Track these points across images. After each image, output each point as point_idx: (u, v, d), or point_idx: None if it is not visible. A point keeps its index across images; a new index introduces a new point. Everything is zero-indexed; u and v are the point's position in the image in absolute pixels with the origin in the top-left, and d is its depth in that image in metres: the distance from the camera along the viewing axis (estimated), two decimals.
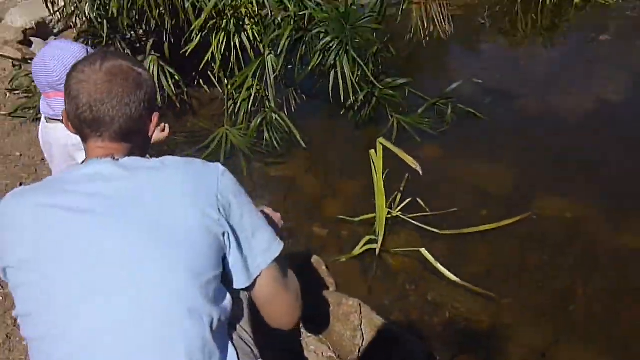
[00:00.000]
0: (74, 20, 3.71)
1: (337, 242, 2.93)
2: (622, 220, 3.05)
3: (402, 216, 2.99)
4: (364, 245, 2.79)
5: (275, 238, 1.35)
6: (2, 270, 1.21)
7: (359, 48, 3.50)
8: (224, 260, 1.28)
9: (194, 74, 4.04)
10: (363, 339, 2.16)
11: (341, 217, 3.03)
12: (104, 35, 3.58)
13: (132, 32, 3.87)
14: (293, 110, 3.80)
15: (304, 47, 3.48)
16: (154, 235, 1.17)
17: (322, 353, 2.08)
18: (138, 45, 3.98)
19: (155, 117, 1.34)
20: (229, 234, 1.23)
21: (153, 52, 3.73)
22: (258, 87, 3.55)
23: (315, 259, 2.63)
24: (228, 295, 1.30)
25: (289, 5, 3.28)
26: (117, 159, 1.25)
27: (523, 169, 3.48)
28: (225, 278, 1.32)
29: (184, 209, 1.20)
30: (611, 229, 3.01)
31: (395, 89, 3.76)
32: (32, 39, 4.63)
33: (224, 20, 3.48)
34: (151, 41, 3.74)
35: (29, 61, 4.25)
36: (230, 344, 1.28)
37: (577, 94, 4.27)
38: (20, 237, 1.19)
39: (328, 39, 3.33)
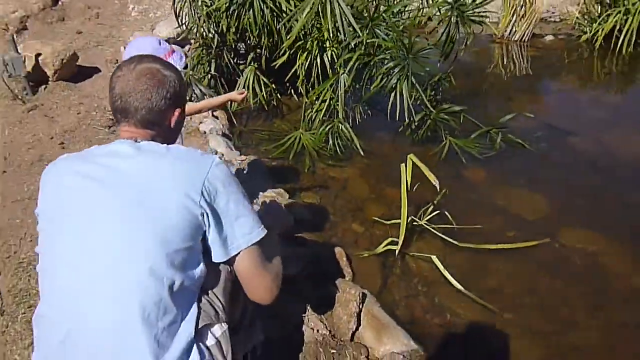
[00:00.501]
0: (195, 33, 3.87)
1: (368, 239, 2.82)
2: None
3: (427, 225, 2.83)
4: (386, 245, 2.66)
5: (258, 226, 1.35)
6: (37, 215, 1.29)
7: (419, 75, 3.38)
8: (205, 236, 1.30)
9: (287, 84, 4.09)
10: (357, 324, 2.07)
11: (376, 218, 2.93)
12: (214, 46, 3.71)
13: (237, 46, 3.96)
14: (358, 123, 3.74)
15: (371, 70, 3.40)
16: (138, 207, 1.21)
17: (318, 330, 2.01)
18: (241, 57, 4.07)
19: (177, 111, 1.39)
20: (208, 215, 1.25)
21: (252, 63, 3.82)
22: (331, 100, 3.52)
23: (338, 250, 2.55)
24: (201, 266, 1.30)
25: (361, 33, 3.21)
26: (139, 142, 1.31)
27: (557, 200, 3.16)
28: (208, 252, 1.34)
29: (169, 190, 1.23)
30: (629, 269, 2.65)
31: (452, 114, 3.58)
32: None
33: (309, 42, 3.49)
34: (251, 54, 3.83)
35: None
36: (195, 305, 1.28)
37: (631, 139, 3.82)
38: (47, 192, 1.29)
39: (391, 64, 3.22)
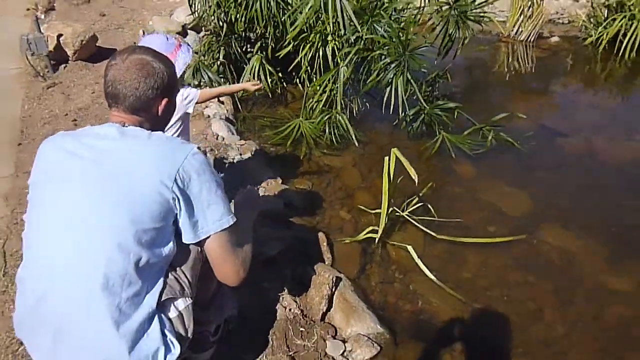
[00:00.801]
0: (205, 22, 3.90)
1: (354, 227, 2.85)
2: (614, 264, 2.67)
3: (408, 216, 2.85)
4: (367, 233, 2.69)
5: (228, 214, 1.40)
6: (29, 185, 1.36)
7: (417, 71, 3.37)
8: (177, 219, 1.35)
9: (292, 73, 4.10)
10: (328, 306, 2.12)
11: (361, 207, 2.96)
12: (222, 35, 3.73)
13: (245, 35, 3.98)
14: (355, 114, 3.75)
15: (369, 64, 3.40)
16: (113, 186, 1.27)
17: (291, 309, 2.06)
18: (248, 45, 4.09)
19: (164, 101, 1.43)
20: (179, 200, 1.30)
21: (259, 52, 3.84)
22: (331, 92, 3.53)
23: (320, 235, 2.59)
24: (170, 245, 1.36)
25: (360, 29, 3.20)
26: (126, 126, 1.36)
27: (540, 198, 3.15)
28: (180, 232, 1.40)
29: (145, 173, 1.28)
30: (600, 268, 2.64)
31: (446, 110, 3.57)
32: (189, 30, 4.94)
33: (312, 34, 3.49)
34: (258, 43, 3.85)
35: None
36: (162, 280, 1.34)
37: (621, 144, 3.77)
38: (37, 165, 1.37)
39: (387, 60, 3.21)
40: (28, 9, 5.11)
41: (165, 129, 1.65)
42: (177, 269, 1.41)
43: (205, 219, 1.36)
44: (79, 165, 1.28)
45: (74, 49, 4.00)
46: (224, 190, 1.42)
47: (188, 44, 2.20)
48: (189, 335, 1.35)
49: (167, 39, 2.11)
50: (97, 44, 4.24)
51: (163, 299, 1.30)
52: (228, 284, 1.50)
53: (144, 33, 4.61)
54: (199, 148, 1.40)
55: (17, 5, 5.17)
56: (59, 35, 3.98)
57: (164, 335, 1.25)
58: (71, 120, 3.31)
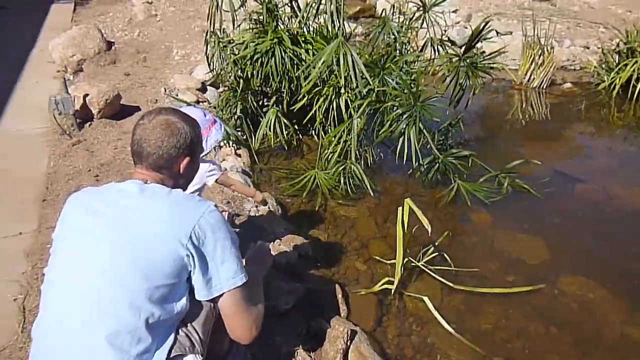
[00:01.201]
0: (222, 78, 4.04)
1: (369, 278, 2.82)
2: (636, 313, 2.59)
3: (424, 266, 2.81)
4: (383, 284, 2.66)
5: (241, 272, 1.42)
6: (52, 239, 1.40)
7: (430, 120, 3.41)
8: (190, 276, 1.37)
9: (308, 125, 4.18)
10: None
11: (377, 257, 2.93)
12: (239, 90, 3.85)
13: (261, 90, 4.10)
14: (369, 164, 3.78)
15: (382, 115, 3.45)
16: (127, 242, 1.30)
17: None
18: (264, 99, 4.20)
19: (186, 159, 1.47)
20: (194, 257, 1.32)
21: (274, 106, 3.94)
22: (345, 143, 3.58)
23: (336, 287, 2.56)
24: (183, 301, 1.37)
25: (371, 82, 3.28)
26: (147, 183, 1.41)
27: (558, 246, 3.09)
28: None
29: (160, 230, 1.31)
30: (621, 318, 2.56)
31: (460, 159, 3.58)
32: (208, 87, 5.11)
33: (325, 88, 3.58)
34: (274, 98, 3.96)
35: (200, 102, 4.70)
36: (172, 336, 1.34)
37: (637, 189, 3.71)
38: (61, 219, 1.41)
39: (399, 111, 3.27)
40: (58, 71, 5.37)
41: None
42: (189, 324, 1.41)
43: (219, 277, 1.38)
44: (99, 222, 1.32)
45: (99, 107, 4.16)
46: (238, 247, 1.44)
47: (221, 123, 2.26)
48: None
49: (205, 114, 2.16)
50: (120, 102, 4.40)
51: (173, 354, 1.30)
52: (239, 340, 1.50)
53: (165, 90, 4.78)
54: (215, 206, 1.43)
55: (48, 68, 5.44)
56: (85, 95, 4.14)
57: None
58: (94, 176, 3.39)
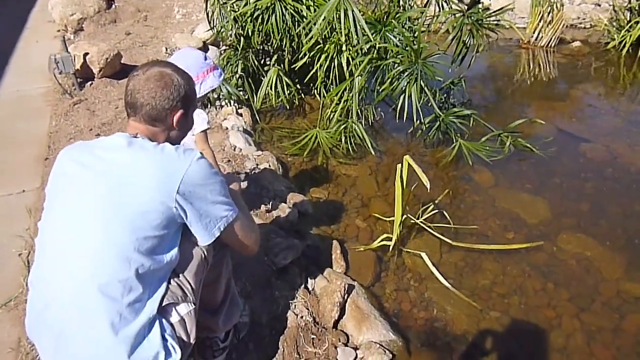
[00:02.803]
0: (223, 36, 3.97)
1: (369, 235, 2.83)
2: (634, 271, 2.59)
3: (423, 223, 2.82)
4: (381, 241, 2.67)
5: (232, 208, 1.44)
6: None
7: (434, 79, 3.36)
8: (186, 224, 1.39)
9: (310, 84, 4.13)
10: (339, 313, 2.10)
11: (377, 215, 2.94)
12: (240, 49, 3.79)
13: (262, 48, 4.03)
14: (371, 123, 3.74)
15: (383, 73, 3.39)
16: (115, 195, 1.30)
17: (302, 316, 2.05)
18: (266, 58, 4.14)
19: (179, 112, 1.45)
20: (183, 208, 1.33)
21: (276, 65, 3.89)
22: (347, 102, 3.54)
23: (334, 243, 2.58)
24: (173, 252, 1.38)
25: (372, 38, 3.21)
26: (137, 136, 1.40)
27: (560, 204, 3.08)
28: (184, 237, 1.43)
29: (147, 182, 1.31)
30: (618, 274, 2.57)
31: (462, 117, 3.53)
32: (210, 46, 5.04)
33: (327, 45, 3.52)
34: (275, 56, 3.90)
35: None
36: (164, 286, 1.36)
37: None
38: (52, 175, 1.42)
39: (400, 68, 3.21)
40: (58, 30, 5.30)
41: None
42: (180, 275, 1.43)
43: (215, 218, 1.40)
44: (87, 175, 1.32)
45: (99, 66, 4.12)
46: (226, 187, 1.46)
47: (222, 71, 2.20)
48: (192, 340, 1.36)
49: (205, 58, 2.10)
50: (121, 62, 4.35)
51: (165, 304, 1.32)
52: (251, 254, 1.61)
53: (166, 50, 4.71)
54: (201, 154, 1.42)
55: (48, 28, 5.37)
56: (85, 54, 4.10)
57: (164, 339, 1.26)
58: (95, 135, 3.39)
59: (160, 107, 1.41)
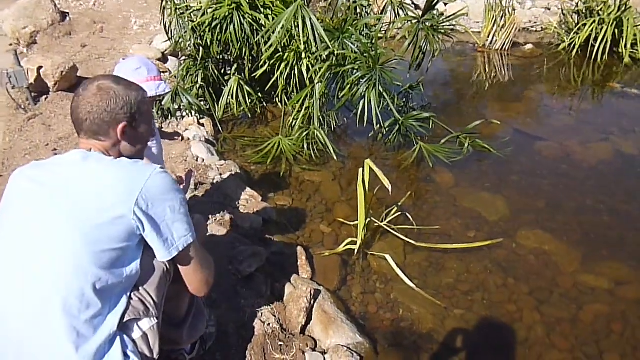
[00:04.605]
0: (182, 46, 3.95)
1: (334, 239, 2.85)
2: (590, 263, 2.70)
3: (386, 226, 2.86)
4: (346, 245, 2.70)
5: (190, 230, 1.42)
6: None
7: (393, 84, 3.42)
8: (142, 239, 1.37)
9: (272, 92, 4.14)
10: (306, 319, 2.11)
11: (341, 220, 2.97)
12: (199, 58, 3.78)
13: (222, 57, 4.03)
14: (333, 129, 3.78)
15: (342, 79, 3.44)
16: (70, 209, 1.27)
17: (269, 324, 2.05)
18: (226, 67, 4.14)
19: (121, 124, 1.42)
20: (141, 221, 1.30)
21: (236, 74, 3.88)
22: (308, 108, 3.56)
23: (299, 249, 2.60)
24: (133, 265, 1.36)
25: (331, 45, 3.26)
26: (91, 151, 1.38)
27: (518, 201, 3.19)
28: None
29: (104, 196, 1.29)
30: (575, 267, 2.67)
31: (421, 121, 3.61)
32: (169, 57, 4.99)
33: (286, 53, 3.54)
34: (235, 65, 3.90)
35: (161, 73, 4.59)
36: (124, 301, 1.33)
37: (594, 145, 3.83)
38: (4, 195, 1.37)
39: (359, 74, 3.26)
40: (10, 45, 5.15)
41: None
42: (141, 288, 1.40)
43: (173, 236, 1.37)
44: (41, 192, 1.30)
45: (54, 80, 4.02)
46: (186, 206, 1.44)
47: (162, 84, 2.15)
48: (155, 355, 1.35)
49: (138, 67, 2.05)
50: (77, 75, 4.26)
51: (126, 319, 1.30)
52: (199, 294, 1.53)
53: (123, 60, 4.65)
54: (162, 168, 1.41)
55: (0, 42, 5.22)
56: (39, 68, 4.00)
57: (126, 356, 1.25)
58: (52, 150, 3.32)
59: (99, 121, 1.37)
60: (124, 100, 1.40)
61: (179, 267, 1.46)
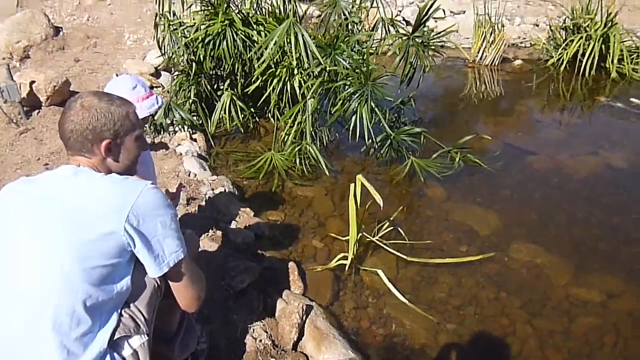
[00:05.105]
0: (175, 61, 3.97)
1: (326, 254, 2.85)
2: (581, 276, 2.71)
3: (378, 241, 2.87)
4: (339, 260, 2.70)
5: (181, 246, 1.41)
6: None
7: (384, 99, 3.45)
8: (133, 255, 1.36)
9: (265, 107, 4.15)
10: (298, 335, 2.10)
11: (333, 235, 2.97)
12: (192, 74, 3.80)
13: (214, 73, 4.05)
14: (325, 144, 3.80)
15: (334, 95, 3.46)
16: (60, 225, 1.27)
17: (261, 340, 2.04)
18: (219, 83, 4.15)
19: (105, 141, 1.41)
20: (132, 237, 1.30)
21: (229, 89, 3.90)
22: (300, 123, 3.58)
23: (291, 264, 2.59)
24: (124, 282, 1.35)
25: (323, 62, 3.29)
26: (80, 166, 1.38)
27: (510, 215, 3.20)
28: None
29: (94, 212, 1.29)
30: (567, 280, 2.68)
31: (413, 135, 3.63)
32: (162, 72, 5.01)
33: (279, 69, 3.57)
34: (228, 81, 3.92)
35: (154, 87, 4.61)
36: (115, 318, 1.33)
37: (584, 159, 3.86)
38: None
39: (351, 90, 3.29)
40: (3, 59, 5.15)
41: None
42: (132, 305, 1.40)
43: (164, 252, 1.37)
44: (32, 207, 1.29)
45: (46, 94, 4.02)
46: (177, 221, 1.44)
47: (158, 97, 2.15)
48: None
49: (134, 87, 2.06)
50: (70, 89, 4.26)
51: (116, 337, 1.29)
52: (189, 310, 1.53)
53: (117, 76, 4.65)
54: (153, 183, 1.41)
55: None
56: (32, 82, 4.00)
57: None
58: (43, 165, 3.30)
59: (81, 139, 1.37)
60: (106, 117, 1.39)
61: (170, 282, 1.46)
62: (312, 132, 3.58)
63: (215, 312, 2.14)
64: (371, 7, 3.77)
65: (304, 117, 3.51)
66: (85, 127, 1.37)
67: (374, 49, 3.64)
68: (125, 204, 1.30)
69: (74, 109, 1.37)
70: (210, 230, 2.69)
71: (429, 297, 2.59)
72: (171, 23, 3.78)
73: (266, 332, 2.09)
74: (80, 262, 1.24)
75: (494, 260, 2.82)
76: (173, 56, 3.86)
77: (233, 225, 2.82)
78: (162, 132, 3.79)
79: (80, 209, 1.28)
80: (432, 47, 3.55)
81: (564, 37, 5.72)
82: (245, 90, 3.74)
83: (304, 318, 2.15)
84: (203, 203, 2.99)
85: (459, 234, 3.05)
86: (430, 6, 3.32)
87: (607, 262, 2.81)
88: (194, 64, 3.77)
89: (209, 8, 3.71)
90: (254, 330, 2.09)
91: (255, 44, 3.55)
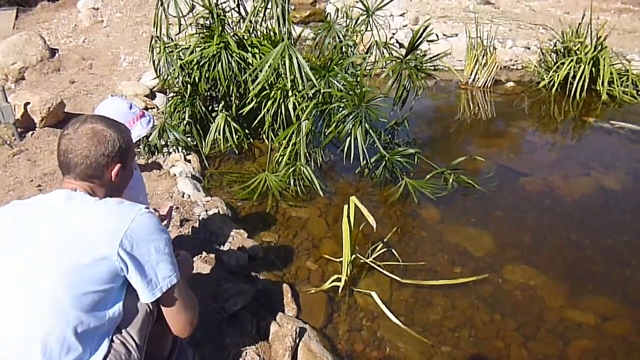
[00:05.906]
0: (170, 83, 4.00)
1: (320, 276, 2.84)
2: (576, 298, 2.72)
3: (372, 262, 2.86)
4: (332, 282, 2.69)
5: (175, 271, 1.41)
6: None
7: (378, 120, 3.47)
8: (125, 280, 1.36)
9: (259, 128, 4.18)
10: (291, 358, 2.08)
11: (327, 256, 2.97)
12: (187, 95, 3.82)
13: (209, 94, 4.07)
14: (320, 165, 3.82)
15: (329, 117, 3.49)
16: (51, 250, 1.27)
17: None
18: (213, 104, 4.18)
19: (117, 166, 1.43)
20: (125, 262, 1.30)
21: (223, 111, 3.93)
22: (295, 145, 3.59)
23: (285, 287, 2.58)
24: (116, 307, 1.35)
25: (317, 84, 3.32)
26: (76, 191, 1.38)
27: (503, 236, 3.21)
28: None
29: (88, 238, 1.29)
30: (561, 302, 2.69)
31: (407, 157, 3.65)
32: (157, 93, 5.04)
33: (273, 91, 3.60)
34: (222, 102, 3.94)
35: (149, 109, 4.63)
36: (105, 343, 1.31)
37: (576, 180, 3.90)
38: None
39: (345, 112, 3.32)
40: None
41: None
42: (124, 331, 1.39)
43: (157, 277, 1.37)
44: (23, 233, 1.29)
45: (41, 116, 4.03)
46: (171, 246, 1.44)
47: (151, 116, 2.18)
48: None
49: (131, 107, 2.07)
50: (65, 110, 4.27)
51: None
52: (182, 335, 1.51)
53: (111, 97, 4.68)
54: (147, 208, 1.41)
55: None
56: (26, 104, 4.01)
57: None
58: (36, 186, 3.29)
59: (95, 165, 1.39)
60: (119, 142, 1.43)
61: (162, 308, 1.45)
62: (307, 153, 3.60)
63: (208, 335, 2.12)
64: (365, 30, 3.83)
65: (299, 138, 3.53)
66: (101, 154, 1.38)
67: (368, 70, 3.68)
68: (119, 228, 1.30)
69: (85, 135, 1.37)
70: (204, 252, 2.68)
71: (423, 319, 2.58)
72: (167, 45, 3.82)
73: (259, 356, 2.07)
74: (71, 288, 1.23)
75: (488, 282, 2.82)
76: (168, 78, 3.89)
77: (226, 246, 2.81)
78: (156, 153, 3.80)
79: (72, 234, 1.28)
80: (425, 71, 3.59)
81: (554, 60, 5.80)
82: (240, 112, 3.76)
83: (297, 341, 2.13)
84: (196, 224, 2.98)
85: (453, 255, 3.05)
86: (424, 30, 3.37)
87: (601, 284, 2.82)
88: (189, 86, 3.80)
89: (205, 31, 3.75)
90: (246, 354, 2.07)
91: (250, 66, 3.59)
